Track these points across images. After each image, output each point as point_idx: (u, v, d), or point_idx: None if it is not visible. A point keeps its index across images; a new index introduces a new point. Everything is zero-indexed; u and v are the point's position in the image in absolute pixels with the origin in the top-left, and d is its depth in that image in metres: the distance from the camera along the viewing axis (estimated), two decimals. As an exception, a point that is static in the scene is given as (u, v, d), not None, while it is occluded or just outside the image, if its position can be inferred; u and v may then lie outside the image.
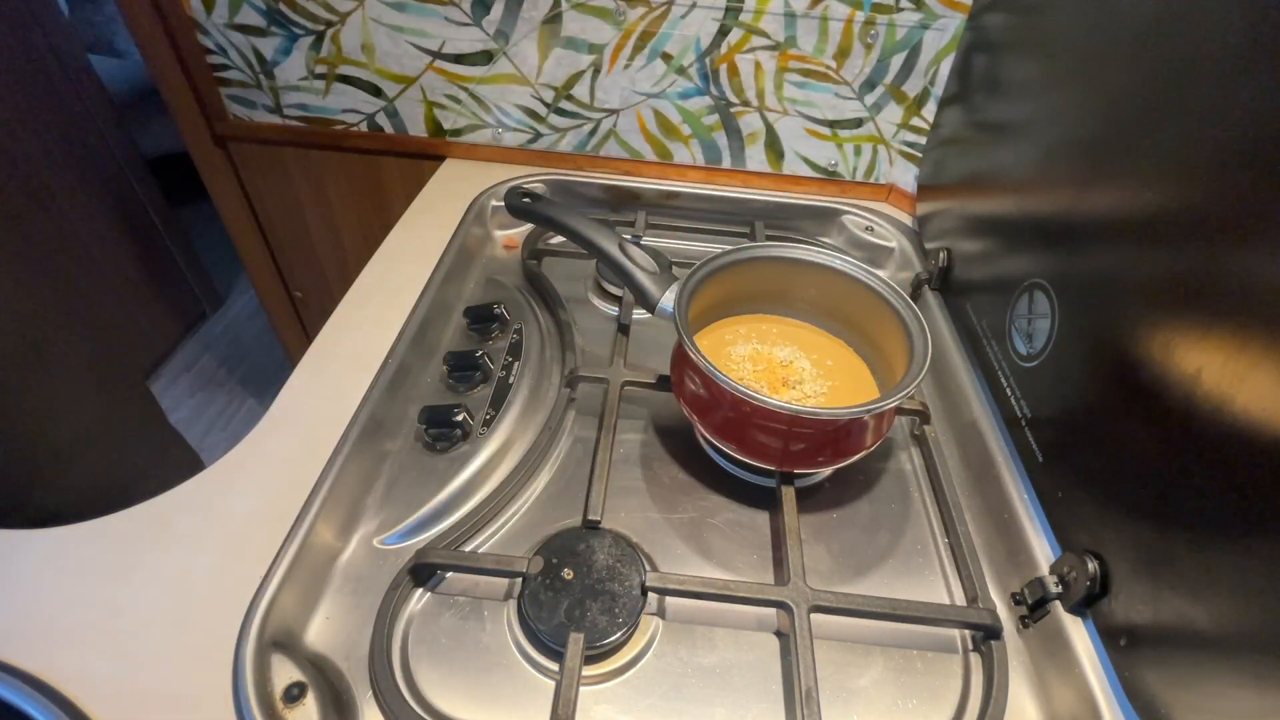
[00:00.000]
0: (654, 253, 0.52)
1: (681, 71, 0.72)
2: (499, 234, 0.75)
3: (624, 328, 0.59)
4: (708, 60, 0.71)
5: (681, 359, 0.50)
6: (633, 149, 0.79)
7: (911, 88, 0.71)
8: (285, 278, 1.05)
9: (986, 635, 0.41)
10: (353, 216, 0.93)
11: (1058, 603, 0.40)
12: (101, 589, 0.39)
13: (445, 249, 0.65)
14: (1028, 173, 0.50)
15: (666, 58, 0.72)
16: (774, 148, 0.77)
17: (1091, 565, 0.38)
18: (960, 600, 0.44)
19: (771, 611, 0.43)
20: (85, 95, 1.42)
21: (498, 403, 0.53)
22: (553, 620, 0.39)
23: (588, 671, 0.39)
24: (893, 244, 0.72)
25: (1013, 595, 0.44)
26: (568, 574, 0.42)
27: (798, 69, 0.71)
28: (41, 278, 1.34)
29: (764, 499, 0.49)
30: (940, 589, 0.46)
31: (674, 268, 0.52)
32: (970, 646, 0.42)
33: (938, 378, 0.59)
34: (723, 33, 0.69)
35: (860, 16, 0.66)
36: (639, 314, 0.63)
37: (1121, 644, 0.36)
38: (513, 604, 0.42)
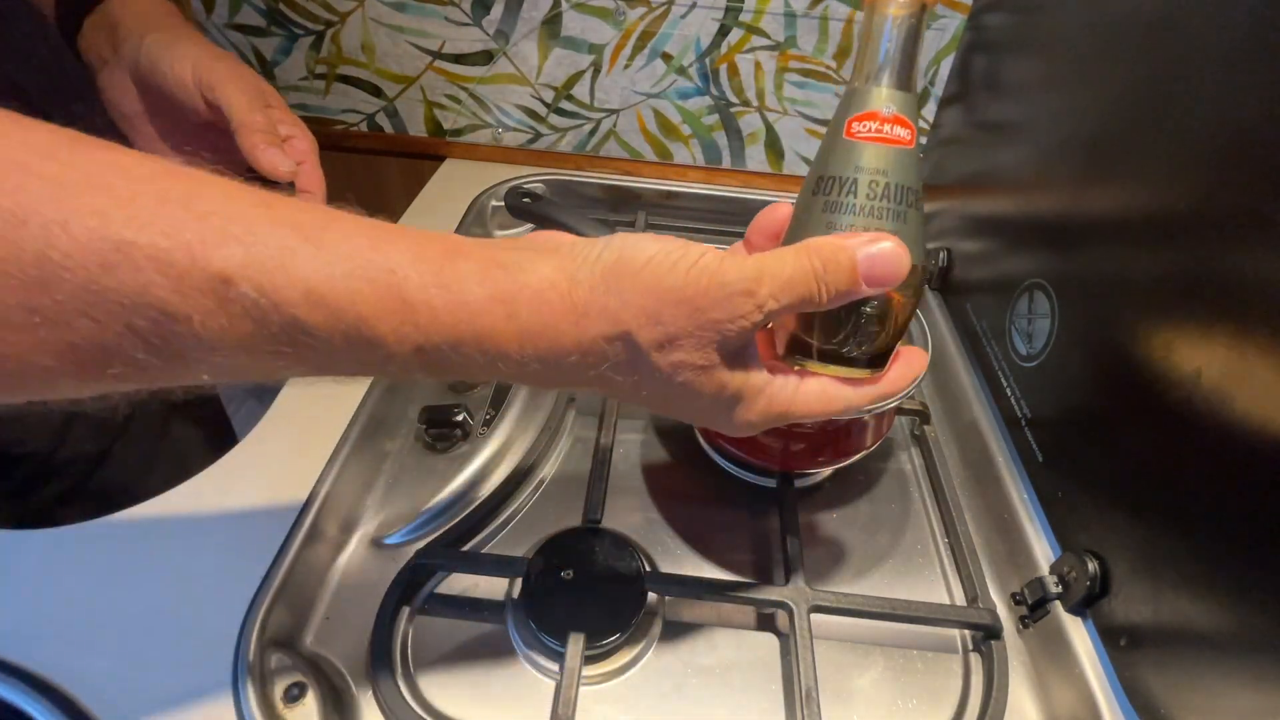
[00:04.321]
0: (654, 253, 0.52)
1: (681, 71, 0.72)
2: (499, 234, 0.75)
3: (624, 328, 0.59)
4: (708, 60, 0.71)
5: (681, 359, 0.50)
6: (633, 149, 0.79)
7: (911, 88, 0.70)
8: (285, 278, 1.05)
9: (986, 635, 0.41)
10: (353, 216, 0.93)
11: (1058, 603, 0.40)
12: (101, 589, 0.39)
13: (445, 249, 0.65)
14: (1028, 173, 0.50)
15: (666, 58, 0.72)
16: (774, 148, 0.77)
17: (1091, 565, 0.38)
18: (960, 600, 0.44)
19: (771, 611, 0.43)
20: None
21: (498, 403, 0.53)
22: (553, 620, 0.39)
23: (588, 671, 0.39)
24: (893, 244, 0.72)
25: (1013, 595, 0.44)
26: (568, 574, 0.42)
27: (798, 69, 0.71)
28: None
29: (764, 499, 0.49)
30: (940, 589, 0.46)
31: (674, 268, 0.52)
32: (970, 646, 0.42)
33: (938, 378, 0.59)
34: (723, 33, 0.69)
35: (860, 16, 0.66)
36: (639, 314, 0.62)
37: (1121, 644, 0.36)
38: (513, 604, 0.42)
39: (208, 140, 0.47)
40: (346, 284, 0.22)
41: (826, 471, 0.51)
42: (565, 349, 0.25)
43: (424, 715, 0.37)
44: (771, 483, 0.49)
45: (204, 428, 0.70)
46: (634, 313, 0.25)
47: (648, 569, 0.43)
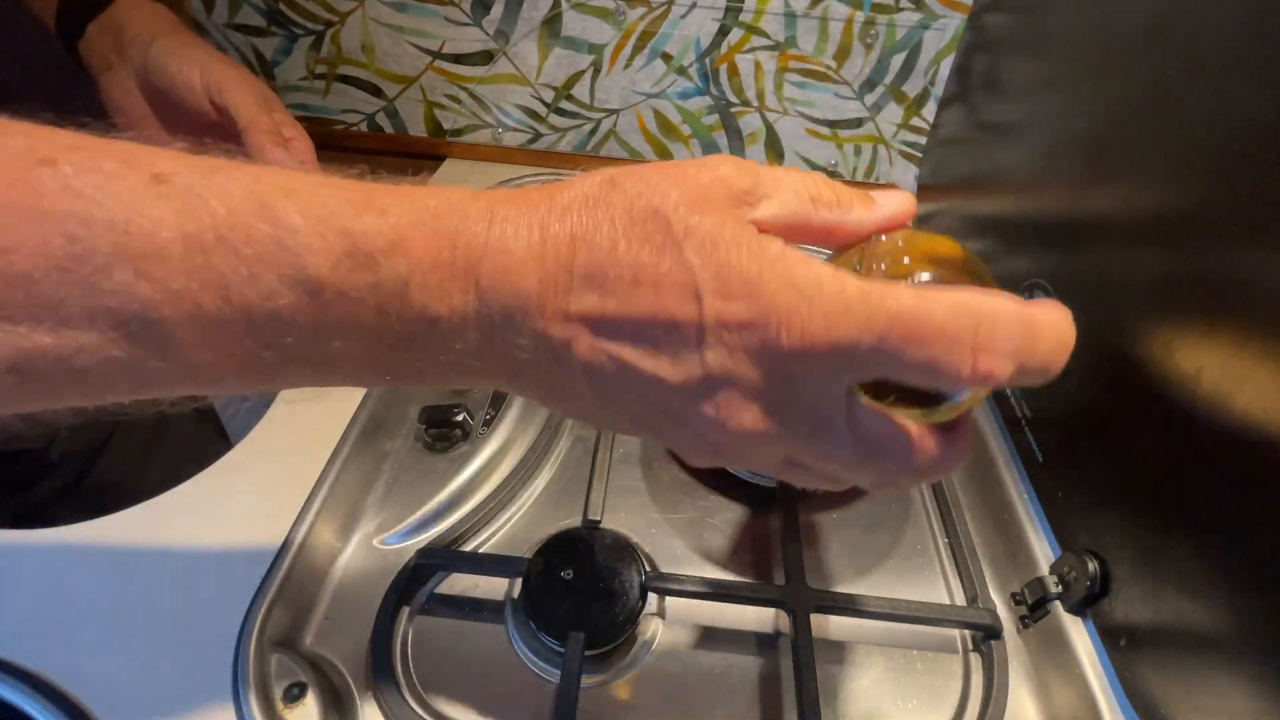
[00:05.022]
0: (654, 253, 0.52)
1: (681, 71, 0.72)
2: (499, 234, 0.74)
3: (624, 328, 0.59)
4: (708, 60, 0.71)
5: (681, 359, 0.50)
6: (633, 149, 0.79)
7: (911, 88, 0.71)
8: (285, 278, 1.04)
9: (986, 635, 0.41)
10: (353, 216, 0.93)
11: (1058, 603, 0.40)
12: (101, 589, 0.39)
13: (445, 249, 0.65)
14: (1028, 173, 0.50)
15: (666, 58, 0.72)
16: (774, 148, 0.77)
17: (1091, 565, 0.38)
18: (960, 600, 0.44)
19: (771, 611, 0.43)
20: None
21: (498, 403, 0.53)
22: (553, 620, 0.39)
23: (588, 671, 0.39)
24: (893, 244, 0.72)
25: (1013, 595, 0.44)
26: (568, 574, 0.42)
27: (798, 69, 0.71)
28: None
29: (764, 499, 0.49)
30: (940, 589, 0.46)
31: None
32: (970, 646, 0.42)
33: (938, 378, 0.59)
34: (723, 33, 0.69)
35: (860, 16, 0.66)
36: (639, 314, 0.62)
37: (1121, 644, 0.36)
38: (513, 604, 0.42)
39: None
40: (277, 199, 0.21)
41: (826, 471, 0.51)
42: (529, 228, 0.21)
43: (424, 715, 0.37)
44: (771, 482, 0.49)
45: (199, 425, 0.70)
46: (617, 171, 0.22)
47: (648, 569, 0.43)
